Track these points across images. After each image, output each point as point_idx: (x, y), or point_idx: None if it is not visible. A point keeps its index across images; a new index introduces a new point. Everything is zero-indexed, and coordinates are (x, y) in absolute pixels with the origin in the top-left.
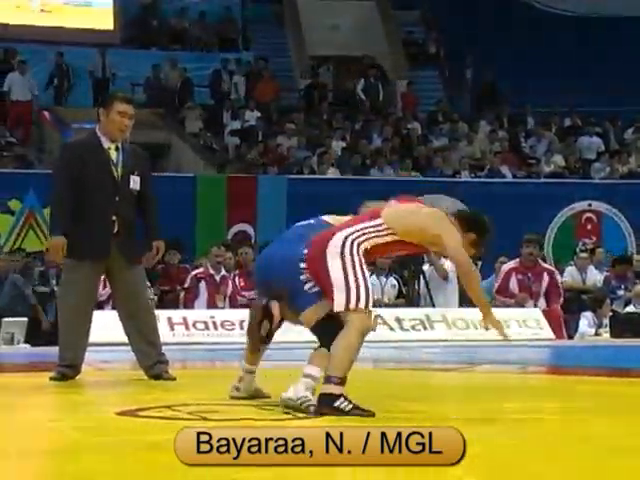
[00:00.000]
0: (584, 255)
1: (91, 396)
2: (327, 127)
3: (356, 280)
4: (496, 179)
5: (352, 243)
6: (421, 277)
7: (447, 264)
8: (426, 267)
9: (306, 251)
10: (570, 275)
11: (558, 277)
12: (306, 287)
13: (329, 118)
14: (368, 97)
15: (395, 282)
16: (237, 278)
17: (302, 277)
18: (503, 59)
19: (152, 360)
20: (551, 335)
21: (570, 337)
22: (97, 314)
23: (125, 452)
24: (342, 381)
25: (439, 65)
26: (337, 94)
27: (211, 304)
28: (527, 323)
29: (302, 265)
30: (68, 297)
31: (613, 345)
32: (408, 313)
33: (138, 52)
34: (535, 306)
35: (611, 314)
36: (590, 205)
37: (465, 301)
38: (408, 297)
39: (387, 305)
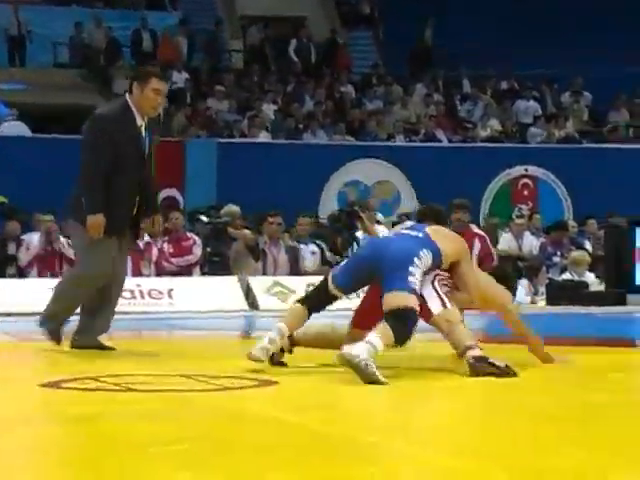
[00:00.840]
0: (520, 221)
1: (14, 368)
2: (258, 90)
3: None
4: (431, 143)
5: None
6: (354, 244)
7: (380, 229)
8: (359, 233)
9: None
10: (506, 242)
11: (489, 242)
12: (409, 277)
13: (260, 80)
14: (300, 59)
15: (316, 249)
16: (166, 244)
17: (410, 269)
18: (438, 22)
19: (98, 331)
20: None
21: None
22: (20, 282)
23: (49, 425)
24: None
25: (373, 26)
26: (268, 55)
27: (136, 272)
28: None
29: (415, 261)
30: (90, 268)
31: (549, 313)
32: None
33: (57, 9)
34: None
35: (547, 282)
36: (527, 170)
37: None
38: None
39: (307, 273)
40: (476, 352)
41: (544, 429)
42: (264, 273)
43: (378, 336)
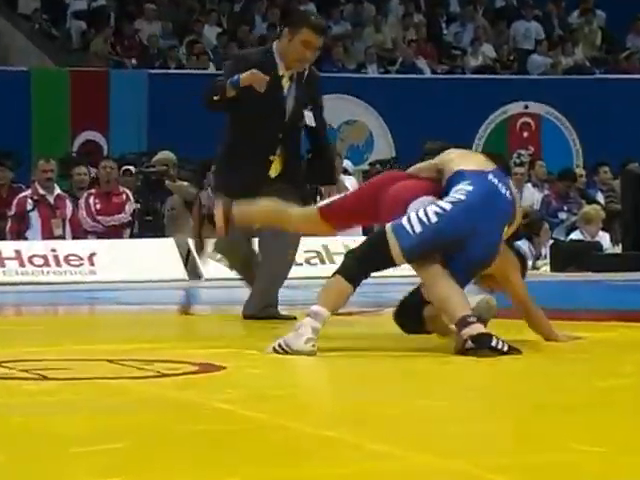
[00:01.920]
0: (520, 170)
1: None
2: (198, 9)
3: None
4: (411, 75)
5: None
6: (318, 198)
7: (348, 181)
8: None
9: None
10: None
11: None
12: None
13: None
14: None
15: None
16: (92, 199)
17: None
18: None
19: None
20: None
21: None
22: None
23: None
24: None
25: None
26: None
27: (46, 233)
28: None
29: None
30: None
31: (554, 280)
32: (301, 244)
33: None
34: None
35: (551, 242)
36: (527, 107)
37: (371, 228)
38: None
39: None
40: (475, 329)
41: (542, 419)
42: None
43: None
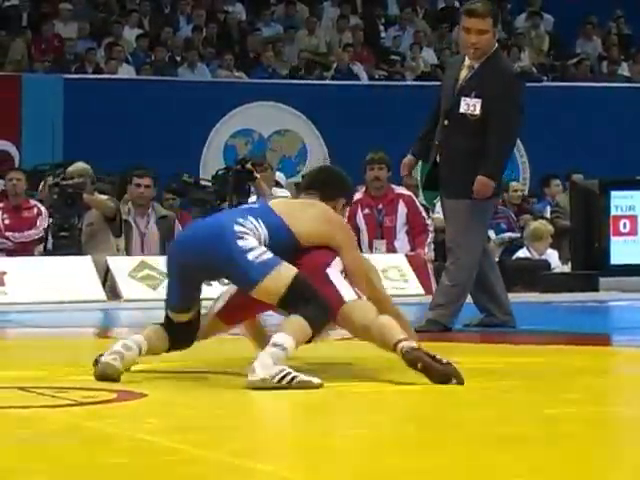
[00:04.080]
0: None
1: None
2: (118, 9)
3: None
4: (347, 81)
5: None
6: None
7: (281, 193)
8: (253, 199)
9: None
10: None
11: (419, 204)
12: (250, 256)
13: None
14: None
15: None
16: (1, 213)
17: (239, 243)
18: None
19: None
20: (419, 289)
21: None
22: None
23: None
24: None
25: None
26: None
27: None
28: (387, 275)
29: (238, 229)
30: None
31: None
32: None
33: None
34: (391, 249)
35: (497, 261)
36: None
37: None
38: None
39: None
40: (412, 344)
41: (487, 453)
42: (128, 252)
43: (286, 333)
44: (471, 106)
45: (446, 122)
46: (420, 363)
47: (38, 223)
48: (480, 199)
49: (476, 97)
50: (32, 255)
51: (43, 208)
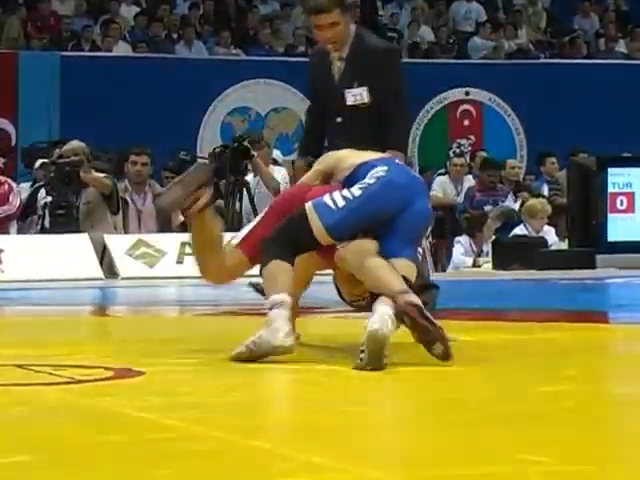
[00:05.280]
0: (459, 160)
1: None
2: None
3: None
4: None
5: None
6: (244, 191)
7: (278, 172)
8: (250, 177)
9: None
10: (441, 187)
11: None
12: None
13: None
14: None
15: None
16: None
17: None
18: None
19: None
20: None
21: (442, 269)
22: None
23: None
24: None
25: None
26: None
27: None
28: None
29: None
30: None
31: (496, 279)
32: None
33: None
34: None
35: (494, 238)
36: (468, 94)
37: None
38: (225, 217)
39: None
40: (414, 299)
41: (487, 429)
42: (125, 230)
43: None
44: (357, 96)
45: (338, 119)
46: (409, 320)
47: (10, 199)
48: None
49: (360, 86)
50: (7, 233)
51: (14, 184)
